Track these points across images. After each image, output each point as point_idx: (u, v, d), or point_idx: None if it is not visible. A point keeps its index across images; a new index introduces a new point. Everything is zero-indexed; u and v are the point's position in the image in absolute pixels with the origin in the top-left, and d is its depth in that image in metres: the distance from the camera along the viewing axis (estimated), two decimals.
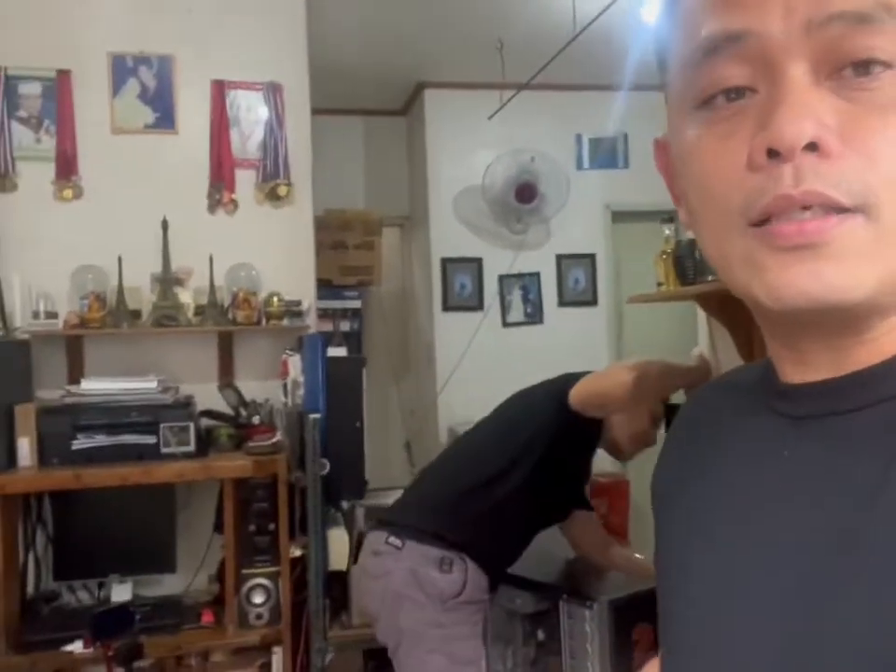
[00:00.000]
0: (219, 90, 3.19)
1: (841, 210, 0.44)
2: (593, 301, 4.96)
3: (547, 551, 2.24)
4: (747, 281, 0.48)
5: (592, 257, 4.95)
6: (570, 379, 2.03)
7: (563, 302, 4.92)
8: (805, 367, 0.51)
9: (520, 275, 4.86)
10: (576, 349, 4.42)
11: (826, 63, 0.44)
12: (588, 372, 2.06)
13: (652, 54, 0.56)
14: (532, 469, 1.99)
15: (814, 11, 0.44)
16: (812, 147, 0.44)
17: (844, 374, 0.49)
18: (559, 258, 4.91)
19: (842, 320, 0.47)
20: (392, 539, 1.99)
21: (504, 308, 4.86)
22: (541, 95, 4.46)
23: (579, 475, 2.17)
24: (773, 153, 0.44)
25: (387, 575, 1.97)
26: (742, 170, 0.46)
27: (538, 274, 4.89)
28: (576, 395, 1.95)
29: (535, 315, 4.89)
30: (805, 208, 0.44)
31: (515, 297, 4.86)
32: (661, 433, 2.10)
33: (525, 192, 4.64)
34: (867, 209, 0.44)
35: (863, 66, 0.44)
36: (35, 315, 2.89)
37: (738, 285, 0.49)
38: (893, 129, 0.44)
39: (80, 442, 2.63)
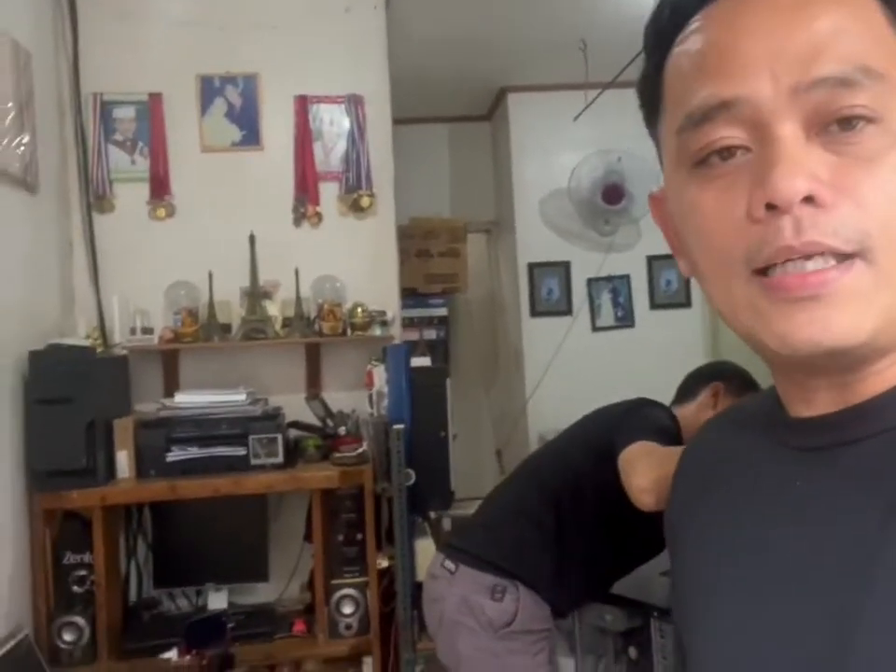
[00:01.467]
0: (302, 104, 3.24)
1: (841, 257, 0.47)
2: (686, 303, 4.81)
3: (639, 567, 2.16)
4: (752, 327, 0.51)
5: None
6: (639, 408, 1.89)
7: (655, 305, 4.79)
8: (810, 402, 0.54)
9: (609, 278, 4.76)
10: (669, 353, 4.27)
11: (814, 121, 0.48)
12: (661, 405, 1.93)
13: (638, 109, 0.61)
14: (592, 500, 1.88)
15: (799, 78, 0.47)
16: (808, 199, 0.46)
17: (845, 408, 0.52)
18: (650, 259, 4.78)
19: (844, 360, 0.50)
20: (447, 563, 1.94)
21: (593, 312, 4.76)
22: (627, 93, 4.25)
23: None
24: (771, 206, 0.47)
25: (442, 600, 1.92)
26: (742, 221, 0.49)
27: (627, 277, 4.77)
28: (619, 467, 1.75)
29: (626, 319, 4.77)
30: (807, 257, 0.47)
31: (605, 300, 4.76)
32: None
33: (613, 193, 4.54)
34: (864, 253, 0.47)
35: (847, 122, 0.47)
36: (133, 330, 2.99)
37: (744, 330, 0.52)
38: (879, 178, 0.47)
39: (174, 455, 2.70)
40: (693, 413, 1.97)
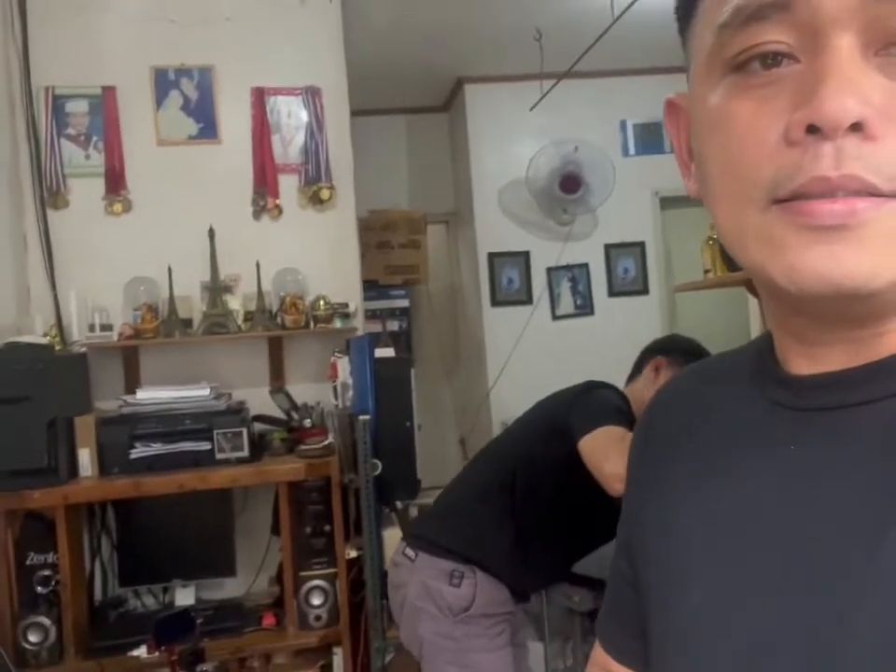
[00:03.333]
0: (259, 97, 3.22)
1: (878, 195, 0.41)
2: (643, 291, 4.88)
3: (605, 546, 2.21)
4: (762, 260, 0.45)
5: (641, 245, 4.87)
6: (592, 391, 1.93)
7: (613, 293, 4.86)
8: (814, 357, 0.49)
9: (568, 267, 4.81)
10: (628, 340, 4.30)
11: (876, 38, 0.42)
12: (610, 385, 1.97)
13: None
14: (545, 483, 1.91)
15: None
16: (855, 127, 0.41)
17: (856, 366, 0.47)
18: (607, 247, 4.84)
19: (858, 310, 0.45)
20: (408, 551, 1.97)
21: (553, 301, 4.81)
22: (583, 83, 4.40)
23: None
24: (813, 129, 0.42)
25: (403, 587, 1.95)
26: (775, 142, 0.43)
27: (586, 265, 4.83)
28: (582, 452, 1.80)
29: (585, 307, 4.84)
30: (846, 191, 0.41)
31: (564, 289, 4.82)
32: None
33: (570, 182, 4.59)
34: None
35: None
36: (91, 328, 2.95)
37: (752, 263, 0.46)
38: None
39: (138, 451, 2.69)
40: (639, 391, 2.01)
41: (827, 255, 0.42)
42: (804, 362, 0.50)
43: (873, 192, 0.41)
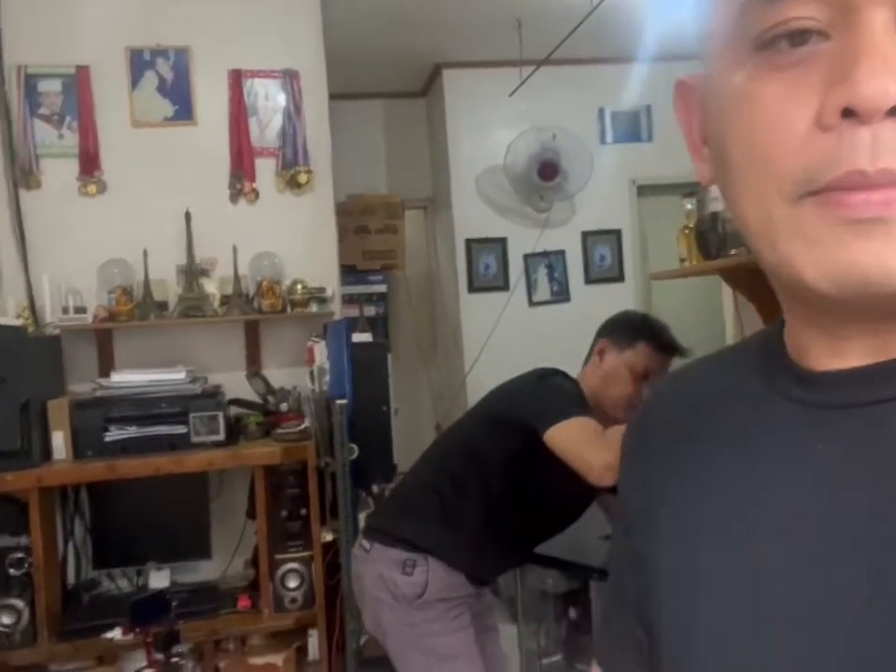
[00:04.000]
0: (236, 79, 3.20)
1: None
2: (619, 278, 4.92)
3: (578, 529, 2.24)
4: (793, 256, 0.42)
5: (617, 233, 4.90)
6: (546, 379, 1.92)
7: (589, 280, 4.89)
8: (840, 352, 0.46)
9: (545, 254, 4.83)
10: None
11: None
12: (561, 372, 1.96)
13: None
14: (499, 472, 1.91)
15: None
16: (893, 111, 0.38)
17: (885, 360, 0.44)
18: (584, 234, 4.87)
19: (893, 306, 0.41)
20: (364, 543, 1.99)
21: (530, 287, 4.83)
22: (562, 70, 4.41)
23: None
24: (849, 113, 0.38)
25: (361, 578, 1.98)
26: (806, 128, 0.40)
27: (563, 252, 4.85)
28: (553, 442, 1.78)
29: (561, 294, 4.86)
30: (884, 186, 0.39)
31: (541, 276, 4.84)
32: None
33: (548, 169, 4.60)
34: None
35: None
36: (65, 310, 2.93)
37: (781, 259, 0.43)
38: None
39: (113, 434, 2.67)
40: (588, 376, 2.01)
41: (866, 252, 0.39)
42: (828, 357, 0.46)
43: None
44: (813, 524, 0.44)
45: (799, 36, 0.40)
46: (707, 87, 0.47)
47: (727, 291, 2.47)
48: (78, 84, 3.07)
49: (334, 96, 3.41)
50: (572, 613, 2.22)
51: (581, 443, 1.74)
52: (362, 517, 2.70)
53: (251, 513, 2.88)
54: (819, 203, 0.40)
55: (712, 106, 0.46)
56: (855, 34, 0.39)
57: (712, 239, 1.97)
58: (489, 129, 4.75)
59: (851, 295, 0.40)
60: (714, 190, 2.05)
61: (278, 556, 2.73)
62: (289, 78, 3.23)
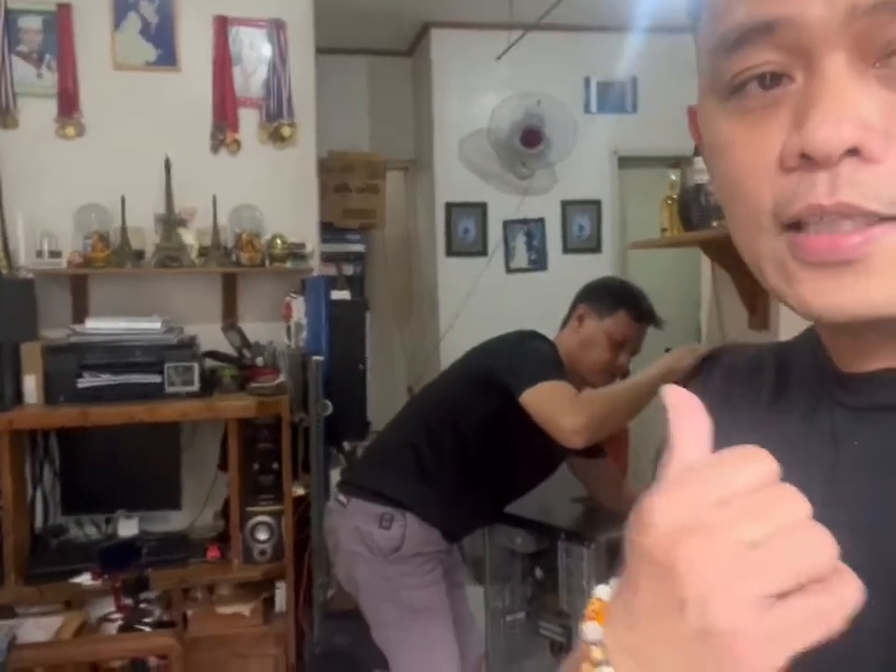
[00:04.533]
0: (222, 26, 3.14)
1: (881, 219, 0.40)
2: (597, 248, 4.93)
3: (548, 491, 2.28)
4: (778, 286, 0.44)
5: (597, 203, 4.91)
6: (525, 342, 1.95)
7: (567, 249, 4.90)
8: (867, 357, 0.47)
9: (525, 221, 4.83)
10: None
11: (872, 50, 0.39)
12: (540, 335, 1.98)
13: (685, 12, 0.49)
14: (472, 429, 1.95)
15: None
16: (853, 151, 0.39)
17: None
18: (564, 204, 4.87)
19: (889, 324, 0.42)
20: (340, 497, 2.01)
21: (508, 254, 4.84)
22: (550, 36, 4.37)
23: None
24: (806, 157, 0.40)
25: (336, 531, 2.00)
26: (773, 168, 0.42)
27: (542, 220, 4.86)
28: (528, 403, 1.80)
29: (539, 262, 4.87)
30: (843, 216, 0.40)
31: (519, 243, 4.84)
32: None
33: (531, 136, 4.58)
34: None
35: None
36: (39, 253, 2.89)
37: (772, 287, 0.45)
38: None
39: (86, 381, 2.66)
40: (566, 339, 2.04)
41: (836, 288, 0.41)
42: (854, 361, 0.48)
43: (872, 219, 0.40)
44: (848, 522, 0.44)
45: (770, 78, 0.42)
46: (701, 124, 0.49)
47: (706, 264, 2.50)
48: (59, 22, 3.00)
49: (320, 50, 3.36)
50: (538, 572, 2.27)
51: (554, 406, 1.78)
52: (334, 474, 2.73)
53: (223, 465, 2.88)
54: (793, 244, 0.42)
55: (706, 150, 0.49)
56: (813, 77, 0.40)
57: (695, 210, 1.99)
58: (474, 92, 4.71)
59: (845, 324, 0.42)
60: (698, 162, 2.07)
61: (249, 509, 2.75)
62: (276, 28, 3.18)
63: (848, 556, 0.41)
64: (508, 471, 2.01)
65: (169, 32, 3.11)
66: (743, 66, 0.42)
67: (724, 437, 0.51)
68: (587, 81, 4.87)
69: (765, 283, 0.46)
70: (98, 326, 2.76)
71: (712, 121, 0.46)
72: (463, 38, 4.66)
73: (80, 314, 2.98)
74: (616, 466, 2.32)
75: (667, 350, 1.89)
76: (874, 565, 0.40)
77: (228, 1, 3.14)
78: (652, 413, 1.84)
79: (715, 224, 1.88)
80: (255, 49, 3.19)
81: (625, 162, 4.89)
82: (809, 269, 0.42)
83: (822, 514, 0.42)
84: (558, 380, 1.82)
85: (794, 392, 0.53)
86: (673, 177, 2.18)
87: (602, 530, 2.08)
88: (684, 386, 0.60)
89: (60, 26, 3.00)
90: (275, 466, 2.75)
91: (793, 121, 0.41)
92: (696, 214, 1.99)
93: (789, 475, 0.45)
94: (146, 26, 3.09)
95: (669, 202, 2.15)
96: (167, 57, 3.12)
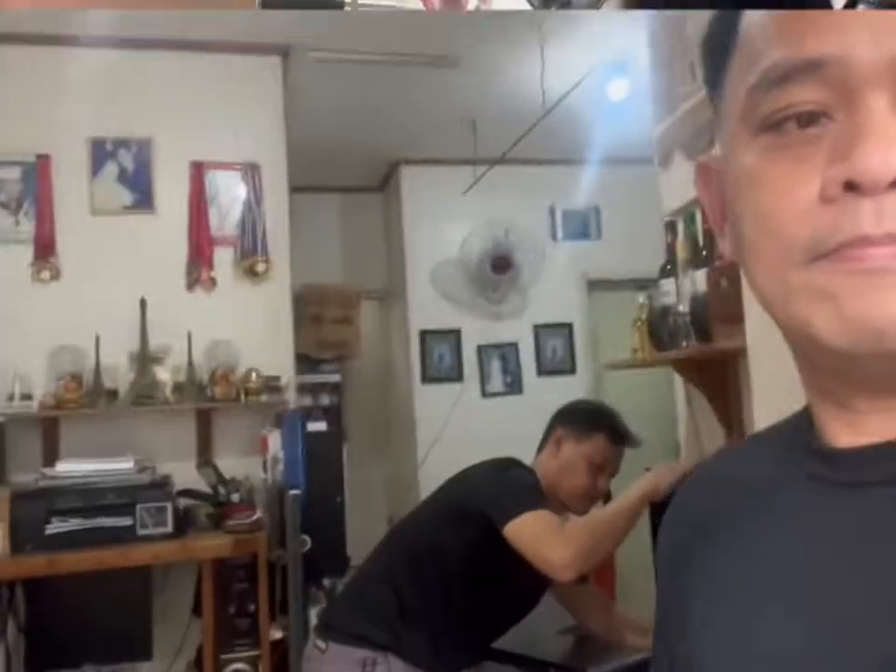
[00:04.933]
0: (198, 171, 3.25)
1: None
2: (571, 370, 4.99)
3: (534, 623, 2.20)
4: (808, 315, 0.44)
5: (569, 326, 5.00)
6: (504, 470, 1.92)
7: (542, 372, 4.95)
8: (858, 428, 0.47)
9: (498, 345, 4.90)
10: None
11: None
12: (518, 462, 1.96)
13: (700, 65, 0.52)
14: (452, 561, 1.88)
15: None
16: (894, 184, 0.40)
17: None
18: (536, 327, 4.96)
19: None
20: (318, 643, 1.91)
21: (483, 378, 4.87)
22: (514, 170, 4.57)
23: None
24: (851, 186, 0.41)
25: None
26: (811, 203, 0.43)
27: (515, 344, 4.93)
28: (512, 536, 1.76)
29: (514, 385, 4.91)
30: (886, 246, 0.41)
31: (494, 367, 4.89)
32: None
33: (501, 263, 4.71)
34: None
35: None
36: (10, 397, 2.86)
37: (797, 320, 0.45)
38: None
39: (55, 527, 2.57)
40: (545, 464, 2.00)
41: (876, 303, 0.41)
42: (844, 432, 0.48)
43: None
44: (832, 598, 0.45)
45: (807, 118, 0.43)
46: (725, 166, 0.50)
47: (679, 383, 2.53)
48: (38, 172, 3.09)
49: (294, 189, 3.48)
50: None
51: (540, 540, 1.74)
52: (314, 613, 2.62)
53: (197, 610, 2.77)
54: (828, 261, 0.42)
55: (730, 184, 0.49)
56: (858, 115, 0.42)
57: (663, 331, 2.04)
58: (444, 224, 4.87)
59: (866, 350, 0.42)
60: (665, 285, 2.13)
61: (224, 656, 2.62)
62: (251, 171, 3.29)
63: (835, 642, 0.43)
64: (492, 603, 1.94)
65: (146, 177, 3.21)
66: (785, 103, 0.44)
67: (709, 526, 0.54)
68: (552, 210, 5.06)
69: (786, 319, 0.46)
70: (68, 468, 2.70)
71: (743, 156, 0.47)
72: (431, 174, 4.86)
73: (51, 456, 2.92)
74: (602, 591, 2.25)
75: (647, 469, 1.88)
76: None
77: (204, 147, 3.26)
78: (638, 534, 1.82)
79: (685, 344, 1.92)
80: (230, 191, 3.29)
81: (594, 286, 5.02)
82: (846, 280, 0.41)
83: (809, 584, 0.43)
84: (540, 509, 1.79)
85: (778, 476, 0.53)
86: (641, 300, 2.24)
87: (595, 663, 2.00)
88: (666, 505, 0.62)
89: (39, 176, 3.09)
90: (252, 608, 2.64)
91: (833, 156, 0.42)
92: (666, 335, 2.03)
93: (785, 561, 0.48)
94: (123, 173, 3.19)
95: (639, 323, 2.19)
96: (144, 201, 3.21)
